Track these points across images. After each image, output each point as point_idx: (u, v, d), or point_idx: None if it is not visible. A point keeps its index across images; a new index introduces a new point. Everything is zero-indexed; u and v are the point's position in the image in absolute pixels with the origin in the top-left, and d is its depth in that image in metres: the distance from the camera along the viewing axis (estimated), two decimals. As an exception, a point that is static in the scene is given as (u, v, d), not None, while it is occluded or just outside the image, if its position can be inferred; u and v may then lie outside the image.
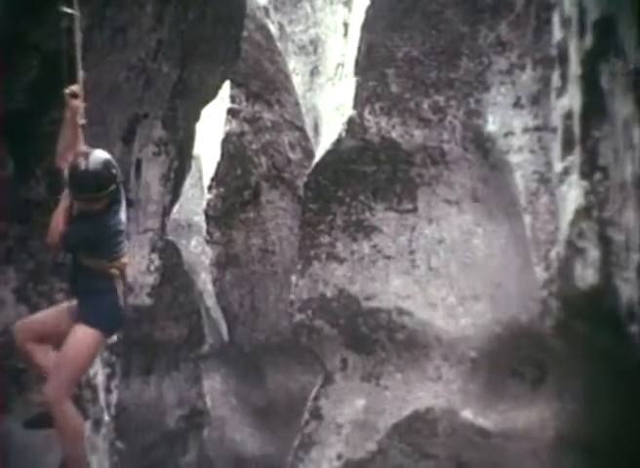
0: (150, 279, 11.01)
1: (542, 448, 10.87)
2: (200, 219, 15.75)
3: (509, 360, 11.20)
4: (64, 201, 6.95)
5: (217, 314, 15.81)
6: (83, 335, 6.82)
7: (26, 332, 6.88)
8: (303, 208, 12.52)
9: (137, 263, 10.53)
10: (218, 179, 15.46)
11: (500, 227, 11.23)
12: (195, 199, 15.84)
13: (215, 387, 15.98)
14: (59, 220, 6.89)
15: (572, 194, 9.84)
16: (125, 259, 6.97)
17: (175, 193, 11.41)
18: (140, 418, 14.68)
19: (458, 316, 11.42)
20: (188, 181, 14.53)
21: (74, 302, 6.93)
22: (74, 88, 7.00)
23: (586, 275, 9.73)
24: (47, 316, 7.07)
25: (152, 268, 11.07)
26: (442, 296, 11.51)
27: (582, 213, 9.66)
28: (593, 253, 9.57)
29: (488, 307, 11.26)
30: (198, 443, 16.08)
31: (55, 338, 6.83)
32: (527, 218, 10.87)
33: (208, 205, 15.56)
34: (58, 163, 7.02)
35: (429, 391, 11.50)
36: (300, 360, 14.45)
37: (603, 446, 10.41)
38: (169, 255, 13.64)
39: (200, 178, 15.87)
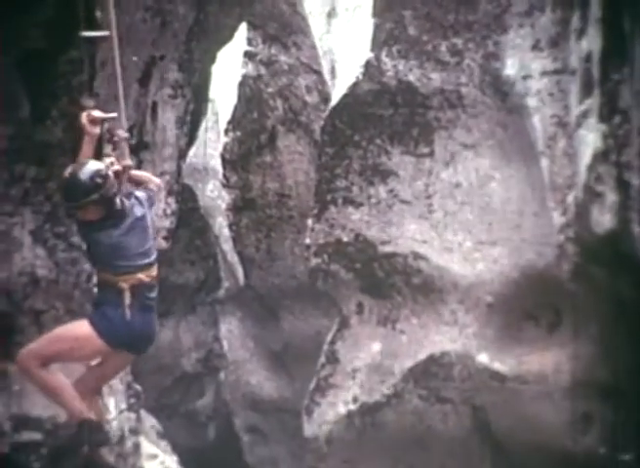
0: (167, 222, 11.03)
1: (557, 392, 10.89)
2: (216, 163, 15.72)
3: (525, 304, 11.20)
4: (86, 147, 7.01)
5: (233, 258, 15.83)
6: (79, 325, 7.04)
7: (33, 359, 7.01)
8: (320, 152, 12.48)
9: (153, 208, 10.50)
10: (234, 123, 15.40)
11: (518, 171, 11.18)
12: (211, 142, 15.80)
13: (231, 331, 16.05)
14: None
15: (590, 138, 9.77)
16: (140, 275, 6.99)
17: (191, 136, 11.40)
18: (157, 361, 14.77)
19: (474, 260, 11.40)
20: (204, 125, 14.54)
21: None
22: (95, 113, 7.03)
23: (604, 219, 9.69)
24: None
25: (169, 212, 11.09)
26: (458, 241, 11.49)
27: (601, 156, 9.59)
28: (611, 197, 9.52)
29: (504, 252, 11.24)
30: (214, 386, 16.21)
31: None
32: (544, 162, 10.81)
33: (224, 148, 15.52)
34: None
35: (445, 335, 11.52)
36: (315, 304, 14.49)
37: (618, 389, 10.45)
38: (185, 199, 13.66)
39: (216, 122, 15.82)
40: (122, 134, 7.28)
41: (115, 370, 7.55)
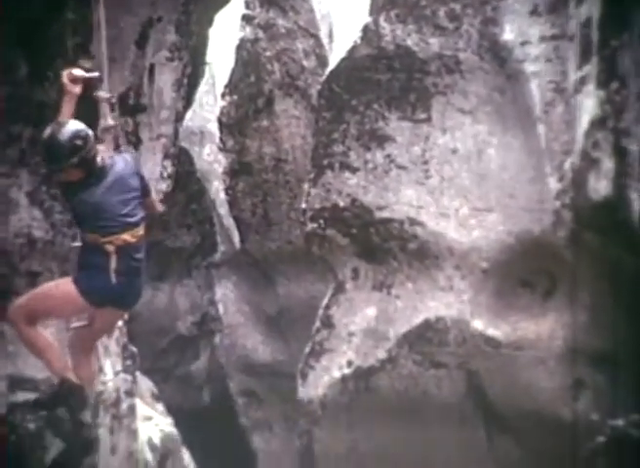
0: (163, 186, 10.99)
1: (552, 358, 10.94)
2: (213, 127, 15.70)
3: (521, 271, 11.22)
4: (66, 106, 6.96)
5: (229, 222, 15.85)
6: (63, 285, 7.07)
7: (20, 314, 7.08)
8: (317, 116, 12.45)
9: (149, 170, 10.49)
10: (231, 87, 15.37)
11: (515, 138, 11.16)
12: (208, 106, 15.79)
13: (227, 294, 16.09)
14: None
15: (588, 104, 9.75)
16: (125, 236, 6.97)
17: (188, 99, 11.34)
18: (153, 324, 14.83)
19: (470, 227, 11.41)
20: (201, 88, 14.50)
21: None
22: (75, 72, 6.96)
23: (600, 186, 9.69)
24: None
25: (165, 175, 11.04)
26: (455, 207, 11.49)
27: (598, 123, 9.58)
28: (608, 163, 9.52)
29: (500, 218, 11.24)
30: (209, 349, 16.26)
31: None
32: (542, 129, 10.80)
33: (221, 112, 15.49)
34: None
35: (440, 301, 11.54)
36: (311, 269, 14.51)
37: (611, 356, 10.48)
38: (182, 163, 13.64)
39: (213, 85, 15.80)
40: (103, 94, 7.23)
41: (106, 327, 7.56)
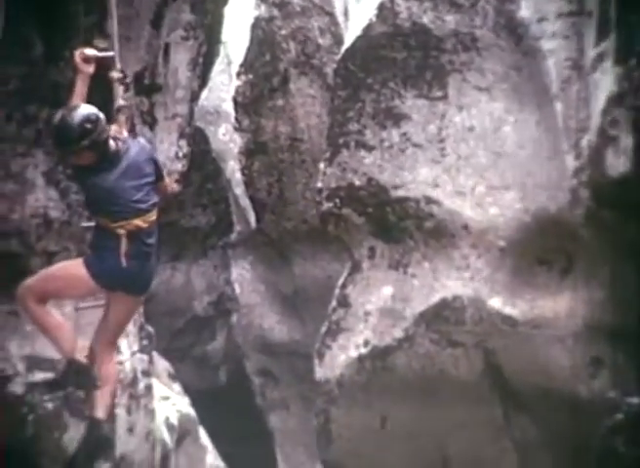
0: (179, 165, 11.00)
1: (569, 337, 10.91)
2: (228, 106, 15.67)
3: (537, 249, 11.18)
4: (79, 86, 6.98)
5: (245, 202, 15.84)
6: (74, 266, 7.14)
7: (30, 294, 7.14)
8: (332, 95, 12.41)
9: (165, 150, 10.51)
10: (246, 66, 15.33)
11: (531, 115, 11.10)
12: (224, 85, 15.75)
13: (243, 274, 16.10)
14: None
15: (605, 81, 9.70)
16: (137, 222, 6.98)
17: (203, 79, 11.34)
18: (169, 304, 14.87)
19: (486, 205, 11.37)
20: (217, 68, 14.47)
21: None
22: (87, 51, 6.95)
23: (617, 163, 9.65)
24: None
25: (180, 155, 11.05)
26: (471, 185, 11.45)
27: (615, 100, 9.53)
28: (625, 140, 9.47)
29: (517, 196, 11.20)
30: (226, 329, 16.31)
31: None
32: (558, 106, 10.74)
33: (236, 92, 15.45)
34: None
35: (457, 280, 11.52)
36: (327, 248, 14.50)
37: (629, 333, 10.46)
38: (197, 142, 13.64)
39: (228, 65, 15.75)
40: (115, 74, 7.24)
41: (121, 318, 7.56)
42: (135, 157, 7.09)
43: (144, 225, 7.08)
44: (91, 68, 6.99)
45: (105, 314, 7.50)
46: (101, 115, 6.82)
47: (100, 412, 7.36)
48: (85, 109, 6.80)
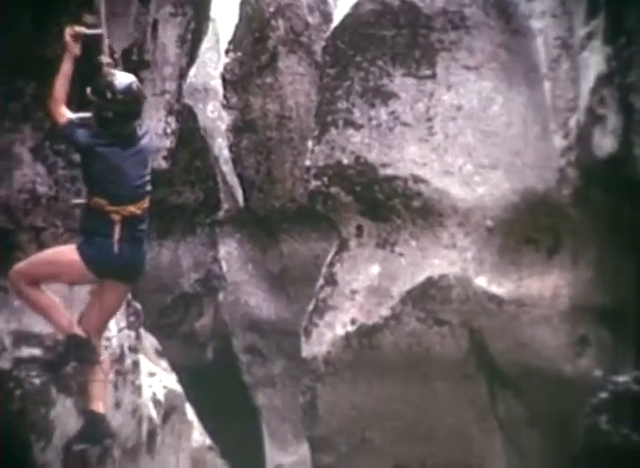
0: (167, 142, 10.98)
1: (555, 316, 10.94)
2: (217, 84, 15.64)
3: (525, 229, 11.20)
4: (66, 65, 7.00)
5: (233, 180, 15.83)
6: (67, 252, 7.22)
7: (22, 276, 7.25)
8: (321, 73, 12.38)
9: (153, 126, 10.47)
10: (235, 43, 15.28)
11: (520, 94, 11.10)
12: (212, 63, 15.72)
13: (230, 252, 16.10)
14: (60, 90, 7.03)
15: (594, 60, 9.69)
16: (132, 208, 6.98)
17: (191, 55, 11.29)
18: (157, 281, 14.84)
19: (474, 184, 11.37)
20: (205, 45, 14.37)
21: None
22: (77, 28, 6.97)
23: (605, 143, 9.66)
24: None
25: (169, 131, 11.03)
26: (459, 164, 11.44)
27: (604, 79, 9.53)
28: (613, 120, 9.47)
29: (505, 176, 11.20)
30: (213, 306, 16.30)
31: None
32: (547, 85, 10.74)
33: (225, 69, 15.41)
34: (52, 109, 7.25)
35: (444, 258, 11.52)
36: (315, 226, 14.50)
37: (615, 313, 10.50)
38: (185, 119, 13.57)
39: (217, 42, 15.72)
40: (105, 59, 7.27)
41: (112, 305, 7.59)
42: (145, 146, 7.20)
43: (138, 212, 7.14)
44: (78, 48, 7.03)
45: (93, 301, 7.52)
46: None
47: (100, 406, 7.37)
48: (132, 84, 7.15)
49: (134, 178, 7.10)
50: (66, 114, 7.16)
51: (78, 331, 7.33)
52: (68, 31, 7.07)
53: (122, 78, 7.18)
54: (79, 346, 7.34)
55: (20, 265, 7.29)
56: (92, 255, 7.10)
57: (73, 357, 7.54)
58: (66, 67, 7.10)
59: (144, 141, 7.26)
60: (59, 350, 8.10)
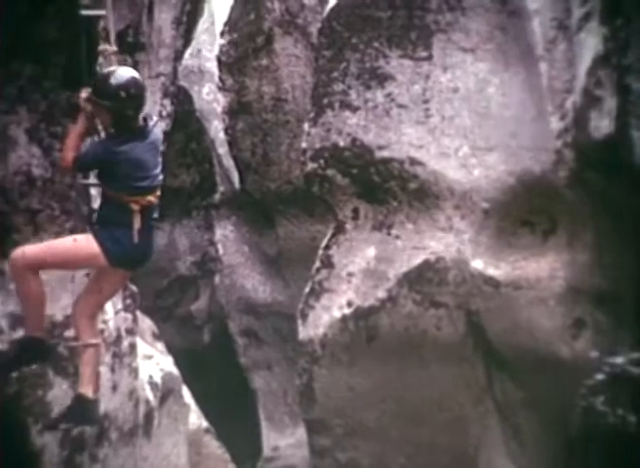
0: (162, 124, 10.97)
1: (551, 298, 10.95)
2: (212, 66, 15.58)
3: (521, 211, 11.20)
4: (80, 124, 7.03)
5: (228, 162, 15.80)
6: (83, 239, 7.16)
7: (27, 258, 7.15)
8: (317, 55, 12.34)
9: (149, 108, 10.45)
10: (230, 25, 15.21)
11: (516, 76, 11.08)
12: (207, 45, 15.66)
13: (226, 235, 16.09)
14: (71, 144, 7.03)
15: (591, 41, 9.68)
16: (150, 197, 7.02)
17: (187, 37, 11.29)
18: (153, 263, 14.76)
19: (470, 166, 11.36)
20: (201, 26, 14.40)
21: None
22: (89, 91, 7.02)
23: (602, 124, 9.65)
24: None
25: (164, 114, 11.04)
26: (455, 146, 11.43)
27: (601, 60, 9.52)
28: (610, 101, 9.46)
29: (501, 158, 11.19)
30: (209, 289, 16.30)
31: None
32: (543, 67, 10.71)
33: (220, 51, 15.35)
34: (64, 168, 7.27)
35: (440, 241, 11.53)
36: (311, 209, 14.49)
37: (611, 295, 10.52)
38: (181, 102, 13.57)
39: (212, 24, 15.65)
40: (110, 48, 7.28)
41: (113, 291, 7.60)
42: (157, 136, 7.28)
43: (155, 200, 7.16)
44: (90, 107, 7.09)
45: (92, 285, 7.48)
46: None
47: (90, 390, 7.34)
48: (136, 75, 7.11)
49: (152, 168, 7.14)
50: (72, 156, 7.13)
51: (40, 335, 7.32)
52: (82, 95, 7.13)
53: (124, 73, 7.14)
54: (37, 348, 7.34)
55: (27, 247, 7.22)
56: (112, 246, 7.06)
57: (28, 358, 7.54)
58: (79, 127, 7.14)
59: (156, 132, 7.31)
60: (55, 333, 8.10)
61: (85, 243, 7.15)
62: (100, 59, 7.58)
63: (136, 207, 7.03)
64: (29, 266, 7.09)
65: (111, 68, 7.22)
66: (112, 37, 7.44)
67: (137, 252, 7.21)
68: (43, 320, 7.30)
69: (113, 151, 7.01)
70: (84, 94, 7.13)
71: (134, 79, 7.12)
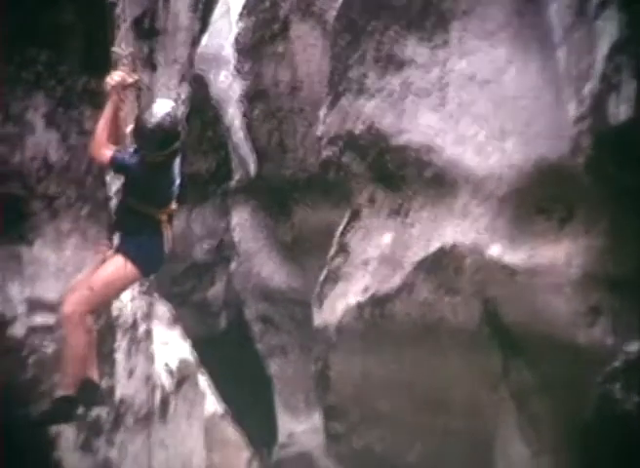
0: (178, 111, 10.94)
1: (567, 285, 10.93)
2: (229, 52, 15.57)
3: (537, 197, 11.17)
4: (108, 110, 7.00)
5: (244, 149, 15.79)
6: (118, 266, 7.04)
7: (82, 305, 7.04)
8: (333, 41, 12.35)
9: (165, 95, 10.46)
10: (247, 11, 15.22)
11: (533, 63, 11.05)
12: (224, 31, 15.64)
13: (242, 222, 16.09)
14: (103, 136, 6.97)
15: (608, 27, 9.64)
16: (174, 206, 7.03)
17: (203, 23, 11.28)
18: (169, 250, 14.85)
19: (487, 153, 11.35)
20: (217, 12, 14.39)
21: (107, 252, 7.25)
22: (116, 76, 6.99)
23: (619, 111, 9.63)
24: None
25: (180, 100, 11.00)
26: (471, 133, 11.42)
27: (618, 47, 9.49)
28: (628, 88, 9.44)
29: (518, 145, 11.17)
30: (225, 275, 16.32)
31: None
32: (561, 53, 10.67)
33: (237, 37, 15.36)
34: (94, 155, 7.12)
35: (456, 228, 11.52)
36: (326, 196, 14.47)
37: (627, 282, 10.48)
38: (197, 88, 13.54)
39: (229, 10, 15.63)
40: (119, 51, 7.22)
41: (122, 288, 7.52)
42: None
43: (176, 208, 7.19)
44: (116, 93, 7.05)
45: (97, 275, 7.36)
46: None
47: (71, 389, 7.22)
48: (164, 107, 6.98)
49: (176, 178, 7.15)
50: (108, 153, 7.03)
51: (72, 393, 7.24)
52: (109, 80, 7.09)
53: (164, 107, 7.11)
54: (70, 408, 7.28)
55: (73, 297, 7.03)
56: (144, 260, 7.04)
57: (61, 418, 7.47)
58: (108, 112, 7.08)
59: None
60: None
61: (121, 266, 7.05)
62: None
63: (164, 217, 7.06)
64: (88, 310, 7.02)
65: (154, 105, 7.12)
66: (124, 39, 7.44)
67: (163, 258, 7.22)
68: (77, 378, 7.23)
69: (161, 178, 7.01)
70: (110, 80, 7.10)
71: (173, 111, 7.03)
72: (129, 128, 7.14)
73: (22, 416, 7.93)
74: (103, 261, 7.19)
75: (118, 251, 7.11)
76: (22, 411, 7.97)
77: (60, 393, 7.20)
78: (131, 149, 7.11)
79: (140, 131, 6.88)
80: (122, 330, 9.12)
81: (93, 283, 7.07)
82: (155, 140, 6.84)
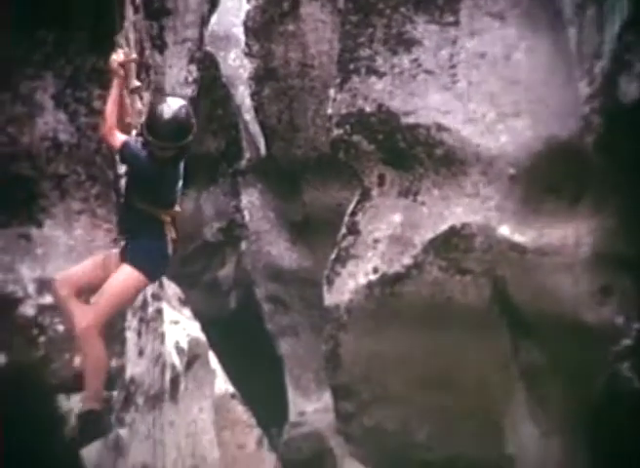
0: (188, 90, 10.96)
1: (577, 265, 10.89)
2: (239, 31, 15.55)
3: (548, 177, 11.13)
4: (114, 91, 6.99)
5: (254, 128, 15.79)
6: (126, 276, 7.00)
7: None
8: (343, 20, 12.29)
9: (174, 75, 10.46)
10: (257, -10, 15.21)
11: (544, 41, 10.99)
12: (234, 10, 15.62)
13: (252, 201, 16.11)
14: (112, 117, 6.97)
15: (620, 5, 9.57)
16: (178, 208, 7.02)
17: (213, 3, 11.26)
18: (179, 230, 14.89)
19: (497, 132, 11.30)
20: (227, -9, 14.34)
21: (111, 251, 7.27)
22: (121, 54, 6.95)
23: (631, 90, 9.56)
24: (85, 268, 7.29)
25: (190, 80, 11.01)
26: (482, 112, 11.37)
27: (630, 24, 9.42)
28: (639, 66, 9.38)
29: (528, 124, 11.13)
30: (236, 255, 16.36)
31: (93, 288, 7.13)
32: (572, 31, 10.60)
33: (247, 16, 15.32)
34: (106, 136, 7.05)
35: (466, 207, 11.49)
36: (337, 175, 14.47)
37: (639, 262, 10.45)
38: (207, 67, 13.55)
39: (238, -11, 15.63)
40: (119, 57, 7.19)
41: (132, 296, 7.49)
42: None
43: (179, 210, 7.19)
44: (122, 70, 7.02)
45: (106, 287, 7.31)
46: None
47: (95, 403, 7.20)
48: (178, 101, 7.02)
49: (181, 180, 7.15)
50: (120, 138, 7.00)
51: (98, 407, 7.22)
52: (114, 58, 7.05)
53: (179, 101, 7.14)
54: (98, 422, 7.25)
55: (89, 316, 7.03)
56: (151, 266, 7.03)
57: (89, 435, 7.44)
58: (115, 93, 7.04)
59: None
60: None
61: (129, 275, 6.99)
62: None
63: (168, 218, 7.05)
64: (102, 324, 7.02)
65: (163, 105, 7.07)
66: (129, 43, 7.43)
67: (168, 261, 7.20)
68: (103, 390, 7.23)
69: (166, 177, 7.00)
70: (115, 57, 7.07)
71: (185, 109, 7.00)
72: (138, 119, 7.15)
73: (55, 442, 7.96)
74: (103, 261, 7.21)
75: (124, 259, 7.07)
76: (54, 438, 8.00)
77: (85, 407, 7.19)
78: (138, 145, 7.07)
79: (156, 119, 6.85)
80: (132, 309, 9.13)
81: (103, 299, 7.04)
82: (170, 131, 6.81)
